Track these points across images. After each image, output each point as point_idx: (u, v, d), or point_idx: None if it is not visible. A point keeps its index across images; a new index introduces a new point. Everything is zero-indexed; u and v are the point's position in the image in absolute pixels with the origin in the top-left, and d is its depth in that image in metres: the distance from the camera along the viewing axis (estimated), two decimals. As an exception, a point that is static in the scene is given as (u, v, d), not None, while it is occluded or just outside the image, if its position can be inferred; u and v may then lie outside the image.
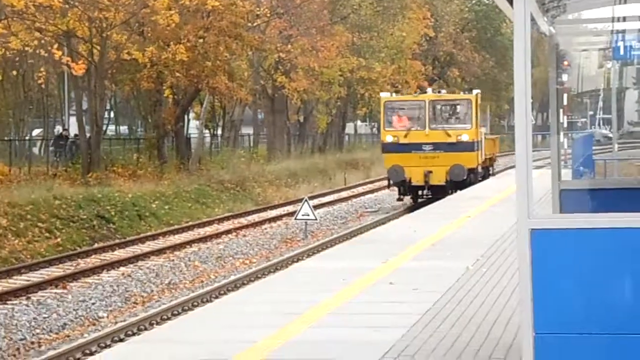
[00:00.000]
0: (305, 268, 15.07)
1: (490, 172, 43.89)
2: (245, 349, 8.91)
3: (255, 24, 45.28)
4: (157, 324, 15.82)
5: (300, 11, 48.43)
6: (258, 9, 44.92)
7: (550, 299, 5.58)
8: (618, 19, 9.47)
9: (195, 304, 17.68)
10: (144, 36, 39.39)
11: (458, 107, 36.97)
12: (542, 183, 9.27)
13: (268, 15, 46.01)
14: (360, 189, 46.77)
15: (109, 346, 13.51)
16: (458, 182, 34.53)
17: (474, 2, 78.15)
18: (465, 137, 35.14)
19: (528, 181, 5.67)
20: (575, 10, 8.36)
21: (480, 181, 36.85)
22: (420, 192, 36.91)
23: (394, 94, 39.77)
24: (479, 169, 37.95)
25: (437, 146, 35.03)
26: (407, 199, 37.73)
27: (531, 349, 5.60)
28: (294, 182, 46.19)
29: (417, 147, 35.20)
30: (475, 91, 37.97)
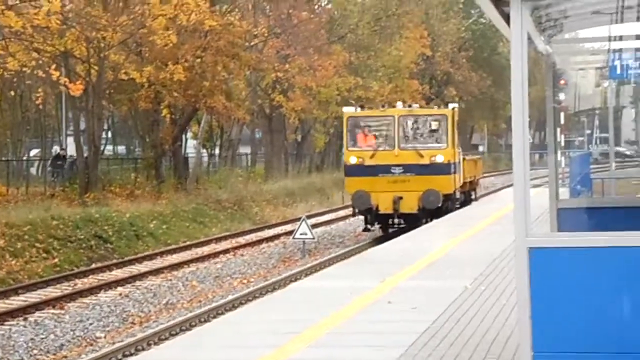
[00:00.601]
0: (303, 288, 15.06)
1: (473, 196, 39.34)
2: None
3: (252, 44, 45.36)
4: (155, 344, 15.76)
5: (298, 31, 48.49)
6: (255, 28, 44.98)
7: (549, 318, 5.58)
8: (614, 38, 9.50)
9: (193, 324, 17.64)
10: (142, 56, 39.44)
11: (432, 123, 31.83)
12: (539, 202, 9.27)
13: (266, 35, 46.07)
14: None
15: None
16: (432, 210, 30.18)
17: (470, 21, 78.25)
18: (440, 158, 30.62)
19: (526, 200, 5.67)
20: (572, 30, 8.39)
21: (457, 208, 32.59)
22: (390, 221, 32.15)
23: (358, 109, 34.08)
24: (457, 195, 33.12)
25: (407, 168, 30.53)
26: (376, 229, 33.00)
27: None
28: (291, 201, 46.18)
29: (385, 169, 30.72)
30: (451, 105, 33.33)
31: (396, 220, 31.65)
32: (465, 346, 9.62)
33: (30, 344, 17.45)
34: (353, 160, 31.29)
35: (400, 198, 30.19)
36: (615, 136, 27.54)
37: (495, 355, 9.09)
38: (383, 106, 33.78)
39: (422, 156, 30.62)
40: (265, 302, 13.63)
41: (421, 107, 36.09)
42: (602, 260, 5.63)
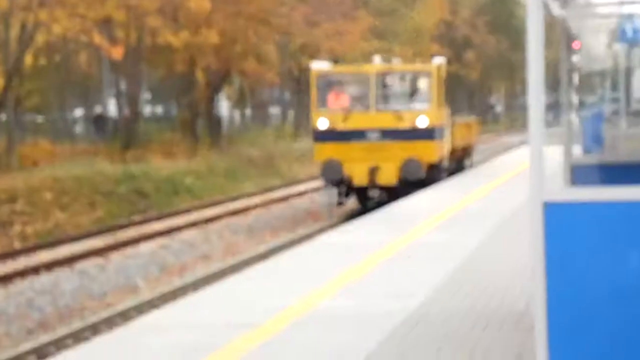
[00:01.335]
0: (329, 242, 15.08)
1: (468, 164, 33.72)
2: (276, 314, 8.95)
3: (281, 11, 45.21)
4: (192, 291, 15.87)
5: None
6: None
7: (563, 272, 5.56)
8: (626, 2, 9.44)
9: (227, 273, 17.74)
10: (178, 21, 39.41)
11: (413, 81, 25.96)
12: (550, 161, 9.25)
13: (295, 1, 45.86)
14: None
15: (147, 312, 13.55)
16: (413, 182, 24.29)
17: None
18: (422, 122, 24.83)
19: (541, 156, 5.66)
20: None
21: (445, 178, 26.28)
22: (370, 193, 26.36)
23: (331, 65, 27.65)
24: (444, 164, 26.93)
25: (385, 134, 24.77)
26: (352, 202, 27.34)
27: (544, 318, 5.59)
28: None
29: (359, 135, 24.86)
30: (437, 59, 27.00)
31: (375, 194, 26.19)
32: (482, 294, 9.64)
33: (76, 291, 17.61)
34: (323, 123, 25.39)
35: (377, 168, 24.68)
36: (627, 96, 27.30)
37: (509, 303, 9.09)
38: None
39: (402, 119, 24.94)
40: (295, 254, 13.67)
41: (403, 62, 28.73)
42: (619, 214, 5.60)
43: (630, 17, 12.46)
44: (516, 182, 22.86)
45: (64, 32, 33.43)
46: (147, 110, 60.04)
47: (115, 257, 20.74)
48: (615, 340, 5.50)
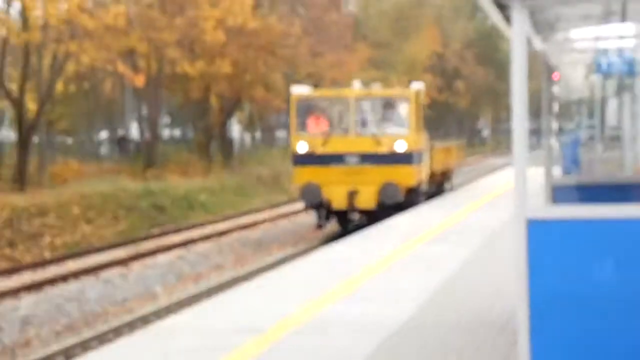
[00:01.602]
0: (330, 254, 15.06)
1: (448, 187, 31.53)
2: (278, 320, 8.94)
3: (288, 43, 45.34)
4: (206, 298, 15.85)
5: (327, 31, 48.39)
6: (291, 29, 44.89)
7: (544, 282, 5.55)
8: (601, 39, 9.44)
9: (239, 282, 17.72)
10: (194, 52, 39.49)
11: (392, 106, 23.59)
12: (533, 182, 9.25)
13: (300, 34, 46.01)
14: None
15: (165, 317, 13.54)
16: (392, 206, 22.52)
17: (476, 23, 77.86)
18: (400, 147, 22.81)
19: (524, 175, 5.66)
20: (564, 30, 8.33)
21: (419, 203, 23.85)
22: (350, 216, 24.41)
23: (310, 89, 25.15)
24: (423, 188, 24.91)
25: (364, 158, 22.87)
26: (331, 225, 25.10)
27: (527, 323, 5.59)
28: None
29: (338, 158, 22.93)
30: (415, 85, 24.36)
31: (356, 216, 24.48)
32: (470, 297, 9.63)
33: (100, 297, 17.62)
34: (302, 147, 23.37)
35: (356, 192, 22.83)
36: (602, 123, 27.29)
37: (500, 307, 9.07)
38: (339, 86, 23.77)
39: (380, 143, 23.00)
40: (299, 264, 13.66)
41: (383, 87, 26.00)
42: (596, 230, 5.59)
43: (604, 51, 12.48)
44: (498, 202, 22.86)
45: (91, 62, 33.47)
46: (166, 133, 60.13)
47: (136, 266, 20.74)
48: (591, 343, 5.49)
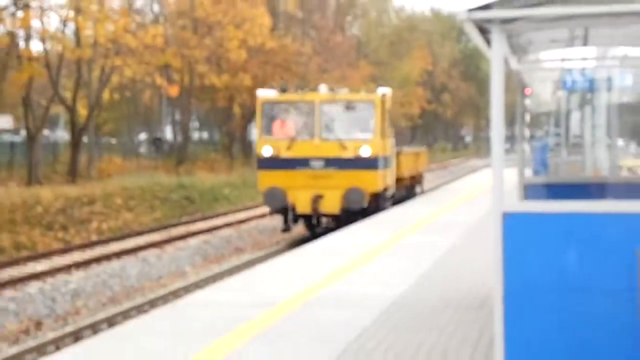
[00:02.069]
0: (330, 241, 15.03)
1: (419, 191, 28.31)
2: (289, 296, 8.92)
3: (301, 60, 45.33)
4: (228, 277, 15.84)
5: (334, 51, 48.36)
6: (303, 48, 44.88)
7: (517, 268, 5.52)
8: (566, 60, 9.41)
9: (256, 263, 17.70)
10: (220, 67, 39.51)
11: (357, 111, 20.26)
12: (507, 181, 9.22)
13: (310, 53, 46.00)
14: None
15: (193, 292, 13.53)
16: (355, 212, 19.71)
17: (461, 45, 77.69)
18: (365, 152, 19.78)
19: (501, 175, 5.62)
20: (535, 52, 8.30)
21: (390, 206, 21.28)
22: (315, 220, 21.08)
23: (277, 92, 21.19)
24: (389, 193, 21.55)
25: (329, 162, 19.81)
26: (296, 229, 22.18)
27: (501, 304, 5.56)
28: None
29: (303, 163, 19.93)
30: (381, 90, 21.01)
31: (324, 220, 21.27)
32: (455, 283, 9.60)
33: (139, 274, 17.62)
34: (267, 151, 20.19)
35: (320, 197, 19.78)
36: (566, 132, 27.25)
37: (479, 292, 9.05)
38: (302, 89, 21.43)
39: (345, 148, 19.82)
40: (304, 253, 13.63)
41: (351, 92, 21.74)
42: (561, 223, 5.55)
43: (569, 70, 12.45)
44: (479, 197, 22.78)
45: (133, 74, 33.51)
46: (195, 135, 60.07)
47: (169, 248, 20.73)
48: (555, 320, 5.46)
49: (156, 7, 40.70)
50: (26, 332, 12.96)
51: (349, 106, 20.25)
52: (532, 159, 26.95)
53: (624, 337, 5.25)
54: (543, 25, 5.87)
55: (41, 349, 11.45)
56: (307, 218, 20.76)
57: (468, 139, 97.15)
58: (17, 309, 14.13)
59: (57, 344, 11.71)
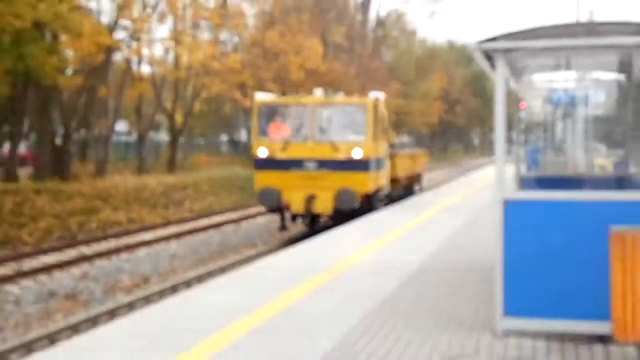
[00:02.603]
0: (372, 218, 14.88)
1: (418, 189, 24.24)
2: (337, 263, 8.91)
3: (346, 80, 45.19)
4: (289, 247, 15.84)
5: (373, 73, 48.14)
6: (347, 70, 44.72)
7: (514, 242, 5.52)
8: (552, 81, 9.32)
9: (311, 236, 17.55)
10: (284, 85, 39.65)
11: (350, 114, 17.04)
12: (507, 175, 9.16)
13: (354, 75, 45.82)
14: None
15: (263, 258, 13.64)
16: (347, 213, 16.51)
17: (471, 69, 76.81)
18: (357, 153, 16.43)
19: (503, 171, 5.62)
20: (529, 75, 8.26)
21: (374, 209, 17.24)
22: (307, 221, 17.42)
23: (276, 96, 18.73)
24: (381, 194, 18.08)
25: (322, 164, 16.58)
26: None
27: (501, 268, 5.56)
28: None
29: (297, 164, 16.69)
30: (373, 94, 17.75)
31: (323, 217, 17.70)
32: (463, 253, 9.54)
33: (220, 243, 17.78)
34: (262, 152, 16.74)
35: (314, 197, 16.47)
36: (552, 138, 26.82)
37: (483, 262, 8.98)
38: (297, 92, 15.68)
39: (338, 150, 16.41)
40: (352, 226, 13.46)
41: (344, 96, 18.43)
42: (548, 207, 5.55)
43: (555, 89, 12.35)
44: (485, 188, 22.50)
45: (217, 90, 33.85)
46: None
47: (244, 224, 20.90)
48: (542, 279, 5.47)
49: (236, 39, 40.94)
50: (137, 285, 13.22)
51: (343, 109, 16.76)
52: (525, 159, 26.57)
53: (592, 290, 5.27)
54: (535, 54, 5.88)
55: (149, 298, 11.68)
56: (305, 217, 17.03)
57: (476, 142, 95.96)
58: (130, 268, 14.42)
59: (160, 295, 11.92)
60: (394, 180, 19.81)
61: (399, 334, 5.73)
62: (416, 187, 24.08)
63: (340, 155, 16.30)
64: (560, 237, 5.42)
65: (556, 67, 7.46)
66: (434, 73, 62.10)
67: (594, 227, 5.22)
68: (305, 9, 39.86)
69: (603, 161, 14.71)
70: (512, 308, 5.50)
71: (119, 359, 5.18)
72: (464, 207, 16.06)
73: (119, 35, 28.33)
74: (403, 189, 21.55)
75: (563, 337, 5.50)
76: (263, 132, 16.81)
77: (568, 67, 7.48)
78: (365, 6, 50.25)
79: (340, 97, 17.75)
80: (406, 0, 62.84)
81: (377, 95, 17.49)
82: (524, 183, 8.49)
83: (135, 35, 28.70)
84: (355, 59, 48.68)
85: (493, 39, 5.51)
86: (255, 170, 16.87)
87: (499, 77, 5.69)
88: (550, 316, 5.43)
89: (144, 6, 29.72)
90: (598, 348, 5.32)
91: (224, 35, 38.18)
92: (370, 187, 16.55)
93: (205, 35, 34.02)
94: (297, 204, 16.46)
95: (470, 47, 5.47)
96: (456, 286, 7.41)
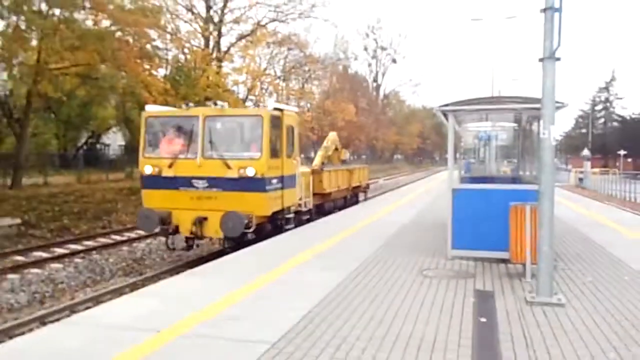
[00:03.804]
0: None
1: (362, 199, 13.01)
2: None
3: (368, 125, 44.21)
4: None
5: (382, 122, 47.42)
6: (367, 121, 43.81)
7: (458, 211, 5.49)
8: (479, 127, 9.25)
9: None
10: (334, 129, 39.25)
11: (245, 127, 6.35)
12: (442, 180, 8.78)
13: (372, 123, 45.04)
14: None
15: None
16: (234, 238, 6.21)
17: (437, 120, 74.80)
18: (250, 171, 6.19)
19: (452, 174, 5.70)
20: (465, 123, 8.28)
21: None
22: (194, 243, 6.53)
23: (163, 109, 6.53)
24: (289, 214, 7.36)
25: (213, 182, 6.26)
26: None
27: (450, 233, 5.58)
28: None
29: (186, 182, 6.38)
30: (271, 104, 6.66)
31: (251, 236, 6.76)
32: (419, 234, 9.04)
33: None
34: (148, 169, 6.84)
35: (204, 219, 6.74)
36: (479, 157, 26.13)
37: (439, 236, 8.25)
38: (187, 104, 6.92)
39: (229, 167, 6.52)
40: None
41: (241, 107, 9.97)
42: (475, 194, 5.60)
43: (480, 132, 12.38)
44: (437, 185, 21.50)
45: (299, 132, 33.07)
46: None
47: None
48: (474, 229, 5.44)
49: (308, 105, 41.18)
50: None
51: (236, 122, 7.44)
52: (464, 167, 25.79)
53: (499, 235, 5.25)
54: (469, 113, 5.99)
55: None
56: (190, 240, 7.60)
57: (437, 159, 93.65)
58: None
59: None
60: (324, 195, 10.17)
61: (394, 258, 5.66)
62: (361, 197, 13.54)
63: (233, 173, 7.15)
64: (483, 208, 5.51)
65: (480, 120, 7.52)
66: (415, 123, 61.26)
67: (501, 203, 5.24)
68: (345, 89, 39.78)
69: (505, 168, 14.48)
70: (457, 244, 5.64)
71: None
72: (431, 191, 15.42)
73: (248, 104, 28.81)
74: (344, 200, 11.79)
75: (483, 260, 5.56)
76: (151, 147, 7.62)
77: (487, 120, 7.53)
78: (377, 87, 49.83)
79: (234, 108, 8.40)
80: (400, 84, 62.15)
81: (282, 106, 7.64)
82: (463, 180, 8.48)
83: (257, 104, 29.08)
84: (372, 115, 48.23)
85: (447, 105, 5.69)
86: (144, 189, 7.51)
87: (450, 125, 5.82)
88: (476, 248, 5.49)
89: (261, 88, 30.19)
90: (502, 266, 5.35)
91: (302, 103, 38.33)
92: (268, 209, 7.33)
93: (292, 103, 34.17)
94: (185, 225, 7.40)
95: (434, 109, 5.69)
96: (425, 232, 7.34)
